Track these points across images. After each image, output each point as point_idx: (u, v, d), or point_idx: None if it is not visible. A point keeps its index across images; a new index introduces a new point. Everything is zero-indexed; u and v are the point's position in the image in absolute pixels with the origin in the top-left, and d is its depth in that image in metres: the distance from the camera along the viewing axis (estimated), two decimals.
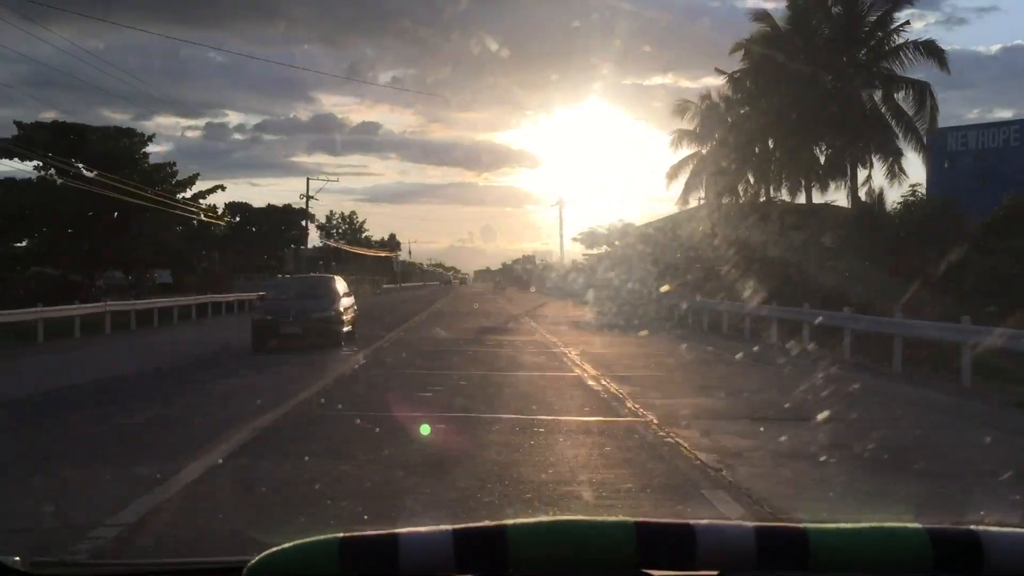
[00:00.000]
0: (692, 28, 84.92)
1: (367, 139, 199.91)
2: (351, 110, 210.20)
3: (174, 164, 42.53)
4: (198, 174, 44.02)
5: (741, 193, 46.83)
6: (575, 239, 66.70)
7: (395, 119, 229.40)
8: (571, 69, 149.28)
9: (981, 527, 1.20)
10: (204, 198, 45.06)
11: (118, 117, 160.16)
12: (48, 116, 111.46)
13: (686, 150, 47.44)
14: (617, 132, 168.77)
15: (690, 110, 46.53)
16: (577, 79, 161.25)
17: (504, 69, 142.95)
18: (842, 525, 1.19)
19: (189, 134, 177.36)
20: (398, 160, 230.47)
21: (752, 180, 43.74)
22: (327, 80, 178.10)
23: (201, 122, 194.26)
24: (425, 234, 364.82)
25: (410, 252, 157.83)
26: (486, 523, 1.20)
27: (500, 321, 32.14)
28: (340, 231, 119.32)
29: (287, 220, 51.56)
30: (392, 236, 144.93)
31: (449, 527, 1.19)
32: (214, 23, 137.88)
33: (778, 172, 41.83)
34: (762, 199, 43.19)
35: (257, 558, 1.21)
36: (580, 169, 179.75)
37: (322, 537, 1.19)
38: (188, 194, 42.89)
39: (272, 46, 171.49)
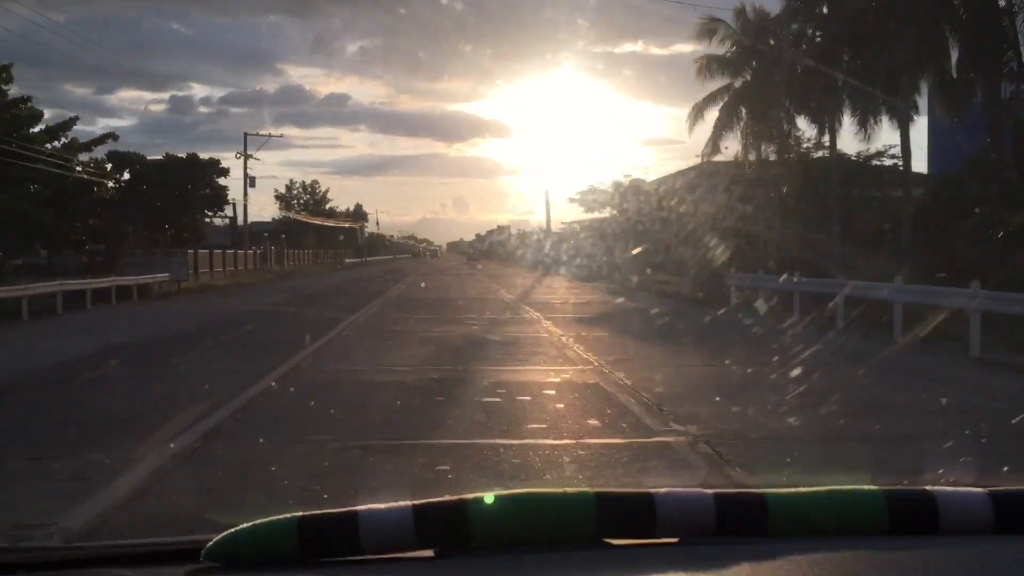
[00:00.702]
0: None
1: (336, 111, 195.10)
2: (319, 82, 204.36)
3: (28, 100, 30.93)
4: (76, 117, 33.16)
5: (791, 138, 36.66)
6: (572, 199, 57.01)
7: (364, 90, 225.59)
8: (542, 38, 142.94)
9: (936, 487, 1.21)
10: (89, 151, 34.13)
11: (80, 91, 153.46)
12: (10, 91, 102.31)
13: (712, 83, 37.08)
14: (592, 99, 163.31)
15: (720, 30, 36.03)
16: (548, 47, 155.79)
17: (474, 38, 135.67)
18: (800, 489, 1.20)
19: (153, 108, 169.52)
20: (368, 132, 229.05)
21: (812, 118, 33.41)
22: (294, 51, 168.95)
23: (165, 95, 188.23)
24: (397, 206, 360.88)
25: (378, 223, 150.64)
26: (446, 498, 1.18)
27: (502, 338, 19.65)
28: (301, 202, 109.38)
29: (195, 177, 39.77)
30: (358, 207, 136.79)
31: (409, 503, 1.17)
32: None
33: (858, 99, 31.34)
34: (822, 147, 33.02)
35: (215, 539, 1.22)
36: (553, 137, 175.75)
37: (281, 517, 1.17)
38: (59, 145, 31.72)
39: (239, 17, 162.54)
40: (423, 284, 36.40)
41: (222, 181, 41.80)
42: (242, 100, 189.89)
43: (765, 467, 6.72)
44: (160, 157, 39.99)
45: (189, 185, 39.28)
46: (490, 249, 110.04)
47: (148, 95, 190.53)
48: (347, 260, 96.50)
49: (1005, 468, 6.16)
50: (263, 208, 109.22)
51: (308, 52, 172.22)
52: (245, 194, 58.08)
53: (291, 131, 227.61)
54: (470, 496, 1.19)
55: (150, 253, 34.61)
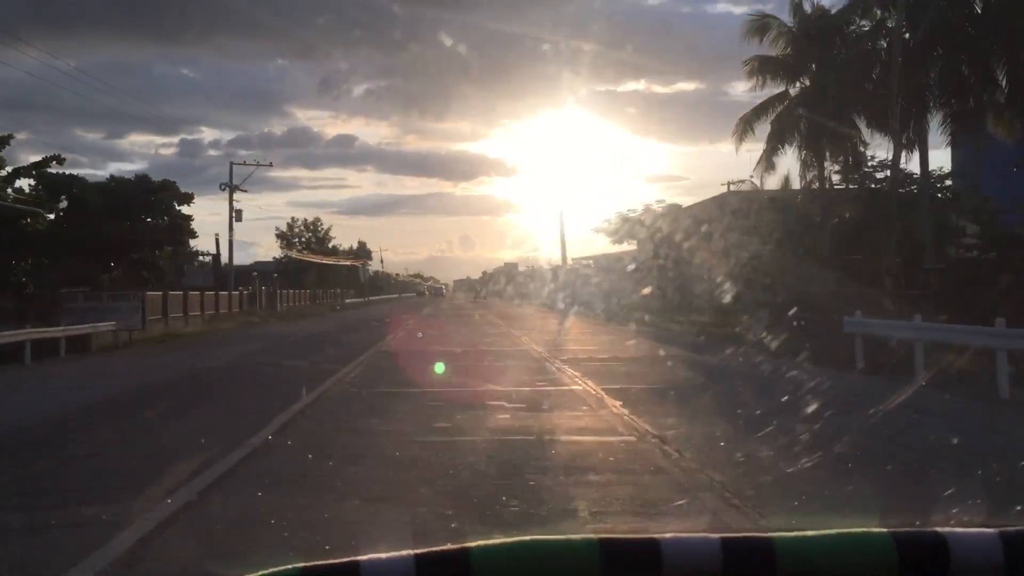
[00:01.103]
0: (664, 35, 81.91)
1: (343, 152, 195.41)
2: (326, 123, 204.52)
3: None
4: (10, 135, 27.56)
5: (862, 154, 31.02)
6: (598, 230, 51.91)
7: (371, 131, 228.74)
8: (545, 77, 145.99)
9: (946, 529, 1.20)
10: (26, 176, 28.48)
11: (91, 136, 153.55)
12: (21, 137, 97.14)
13: (763, 91, 31.45)
14: (595, 137, 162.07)
15: (773, 28, 30.46)
16: (551, 87, 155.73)
17: (478, 78, 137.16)
18: (807, 533, 1.20)
19: (163, 151, 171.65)
20: (375, 172, 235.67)
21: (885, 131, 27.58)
22: (301, 94, 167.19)
23: (175, 139, 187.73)
24: (404, 245, 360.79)
25: (382, 261, 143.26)
26: (449, 546, 1.17)
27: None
28: (303, 240, 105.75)
29: (149, 203, 33.24)
30: (362, 244, 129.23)
31: (411, 552, 1.16)
32: (187, 40, 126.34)
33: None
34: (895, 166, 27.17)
35: None
36: (557, 175, 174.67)
37: (281, 568, 1.14)
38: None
39: (246, 61, 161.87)
40: (420, 334, 28.47)
41: (186, 210, 35.71)
42: (250, 143, 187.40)
43: None
44: (106, 178, 33.98)
45: (145, 215, 33.16)
46: (496, 286, 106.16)
47: (158, 139, 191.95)
48: (348, 300, 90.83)
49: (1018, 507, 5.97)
50: (270, 248, 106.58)
51: (315, 94, 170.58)
52: (231, 228, 52.59)
53: (299, 172, 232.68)
54: (472, 544, 1.15)
55: (94, 296, 28.78)
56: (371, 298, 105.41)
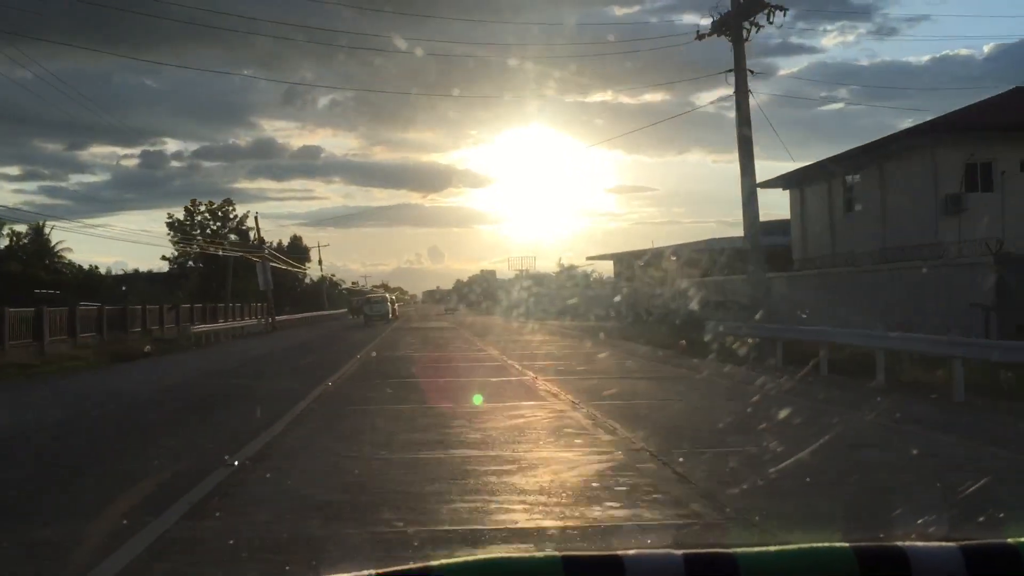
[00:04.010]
0: (631, 46, 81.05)
1: (310, 163, 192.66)
2: (292, 134, 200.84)
3: None
4: None
5: None
6: (591, 258, 66.62)
7: (338, 142, 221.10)
8: (513, 89, 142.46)
9: (907, 543, 1.20)
10: None
11: (51, 147, 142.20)
12: None
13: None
14: (564, 148, 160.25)
15: None
16: (519, 98, 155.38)
17: (446, 89, 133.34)
18: (770, 548, 1.19)
19: (125, 163, 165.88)
20: (343, 183, 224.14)
21: None
22: (267, 104, 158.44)
23: (137, 150, 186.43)
24: (373, 256, 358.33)
25: (320, 262, 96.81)
26: (411, 565, 1.16)
27: None
28: (209, 232, 76.14)
29: None
30: (296, 240, 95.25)
31: (373, 571, 1.14)
32: (149, 49, 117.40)
33: None
34: None
35: None
36: (526, 186, 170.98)
37: None
38: None
39: (210, 71, 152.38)
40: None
41: None
42: (215, 154, 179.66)
43: None
44: None
45: None
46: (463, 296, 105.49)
47: (120, 150, 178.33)
48: (245, 321, 54.73)
49: (980, 519, 6.21)
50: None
51: (280, 105, 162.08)
52: None
53: (266, 184, 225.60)
54: (435, 562, 1.14)
55: None
56: (293, 316, 70.12)
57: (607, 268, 74.02)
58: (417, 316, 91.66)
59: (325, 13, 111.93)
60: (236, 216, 79.34)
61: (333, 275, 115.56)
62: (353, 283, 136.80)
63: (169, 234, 74.81)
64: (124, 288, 49.83)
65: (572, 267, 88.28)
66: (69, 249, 65.72)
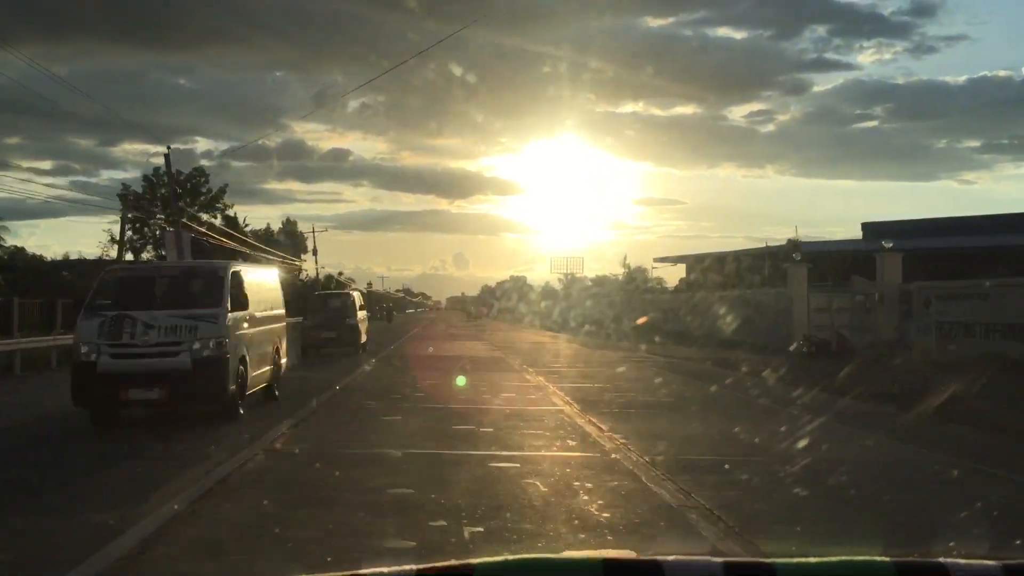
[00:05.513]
0: (664, 58, 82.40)
1: (339, 166, 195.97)
2: (321, 137, 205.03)
3: None
4: None
5: None
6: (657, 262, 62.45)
7: (367, 146, 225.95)
8: (544, 98, 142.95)
9: (948, 559, 1.18)
10: None
11: (84, 143, 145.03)
12: (12, 141, 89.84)
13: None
14: (593, 159, 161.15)
15: None
16: (549, 107, 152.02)
17: (476, 97, 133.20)
18: (810, 559, 1.18)
19: (156, 160, 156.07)
20: (370, 187, 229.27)
21: None
22: (298, 106, 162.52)
23: (167, 148, 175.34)
24: (398, 261, 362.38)
25: (315, 253, 74.72)
26: (452, 562, 1.15)
27: None
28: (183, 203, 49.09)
29: None
30: (291, 223, 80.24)
31: (414, 567, 1.14)
32: (183, 49, 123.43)
33: None
34: None
35: None
36: (554, 195, 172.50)
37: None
38: None
39: (243, 72, 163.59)
40: None
41: None
42: (245, 154, 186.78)
43: None
44: None
45: None
46: (507, 302, 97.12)
47: (152, 147, 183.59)
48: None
49: (1018, 541, 6.06)
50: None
51: (311, 107, 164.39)
52: None
53: (294, 185, 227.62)
54: (476, 560, 1.14)
55: None
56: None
57: (669, 274, 67.56)
58: (436, 331, 58.55)
59: (360, 17, 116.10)
60: (210, 190, 60.66)
61: (341, 272, 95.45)
62: (367, 285, 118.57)
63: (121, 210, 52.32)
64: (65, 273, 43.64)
65: (641, 268, 74.85)
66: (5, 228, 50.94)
